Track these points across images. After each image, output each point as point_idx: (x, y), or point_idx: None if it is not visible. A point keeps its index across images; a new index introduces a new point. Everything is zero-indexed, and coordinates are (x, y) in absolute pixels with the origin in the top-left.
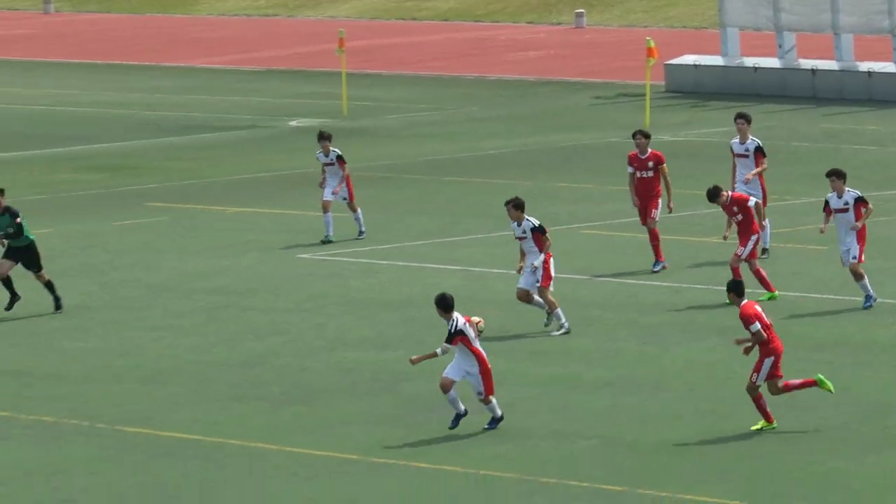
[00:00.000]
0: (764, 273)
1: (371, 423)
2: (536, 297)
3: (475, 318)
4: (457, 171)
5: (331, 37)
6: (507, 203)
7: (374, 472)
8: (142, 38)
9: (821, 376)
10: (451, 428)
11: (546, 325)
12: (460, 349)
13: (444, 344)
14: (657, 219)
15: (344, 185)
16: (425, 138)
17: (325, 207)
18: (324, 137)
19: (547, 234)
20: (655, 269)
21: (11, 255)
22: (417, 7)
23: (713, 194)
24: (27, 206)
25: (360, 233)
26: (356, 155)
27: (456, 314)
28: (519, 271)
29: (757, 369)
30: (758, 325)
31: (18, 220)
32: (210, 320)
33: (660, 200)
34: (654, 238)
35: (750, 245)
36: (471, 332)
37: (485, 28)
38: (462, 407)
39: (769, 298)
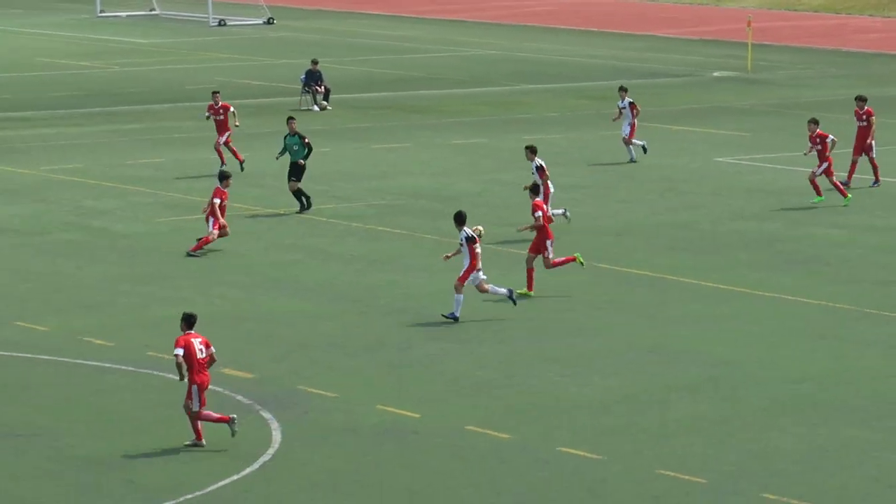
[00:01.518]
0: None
1: (755, 267)
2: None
3: (478, 227)
4: (819, 109)
5: (741, 20)
6: (526, 147)
7: (754, 298)
8: (621, 15)
9: (578, 255)
10: (447, 316)
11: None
12: (464, 252)
13: (461, 247)
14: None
15: (629, 123)
16: (801, 87)
17: (625, 142)
18: (622, 89)
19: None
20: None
21: (292, 171)
22: (798, 3)
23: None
24: (544, 122)
25: (631, 160)
26: (755, 95)
27: (465, 227)
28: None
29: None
30: (540, 214)
31: (307, 140)
32: (665, 195)
33: (873, 142)
34: (874, 166)
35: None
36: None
37: (841, 18)
38: (458, 311)
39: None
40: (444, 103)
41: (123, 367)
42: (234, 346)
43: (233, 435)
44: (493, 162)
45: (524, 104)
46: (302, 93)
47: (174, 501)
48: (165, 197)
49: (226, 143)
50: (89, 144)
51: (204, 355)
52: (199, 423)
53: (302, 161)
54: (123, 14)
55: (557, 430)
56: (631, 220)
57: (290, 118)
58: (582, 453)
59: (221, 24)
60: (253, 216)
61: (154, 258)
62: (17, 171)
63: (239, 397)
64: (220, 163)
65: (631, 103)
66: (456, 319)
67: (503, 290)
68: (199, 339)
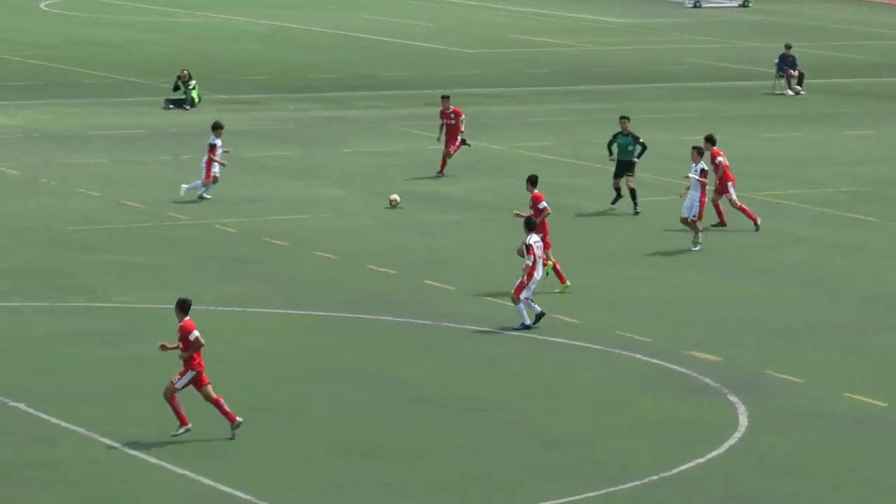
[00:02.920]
0: None
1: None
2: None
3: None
4: None
5: None
6: (693, 148)
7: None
8: None
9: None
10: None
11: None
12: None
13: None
14: None
15: None
16: None
17: None
18: None
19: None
20: None
21: (621, 168)
22: None
23: None
24: None
25: None
26: None
27: (534, 234)
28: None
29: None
30: (545, 204)
31: (641, 140)
32: None
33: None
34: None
35: None
36: (537, 248)
37: None
38: (527, 320)
39: None
40: None
41: (592, 346)
42: (702, 329)
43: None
44: None
45: None
46: (776, 77)
47: (640, 482)
48: (637, 177)
49: (449, 152)
50: (562, 122)
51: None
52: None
53: (636, 159)
54: None
55: None
56: None
57: (623, 118)
58: None
59: (696, 5)
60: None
61: (624, 238)
62: (490, 147)
63: (707, 380)
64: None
65: None
66: (529, 327)
67: (526, 317)
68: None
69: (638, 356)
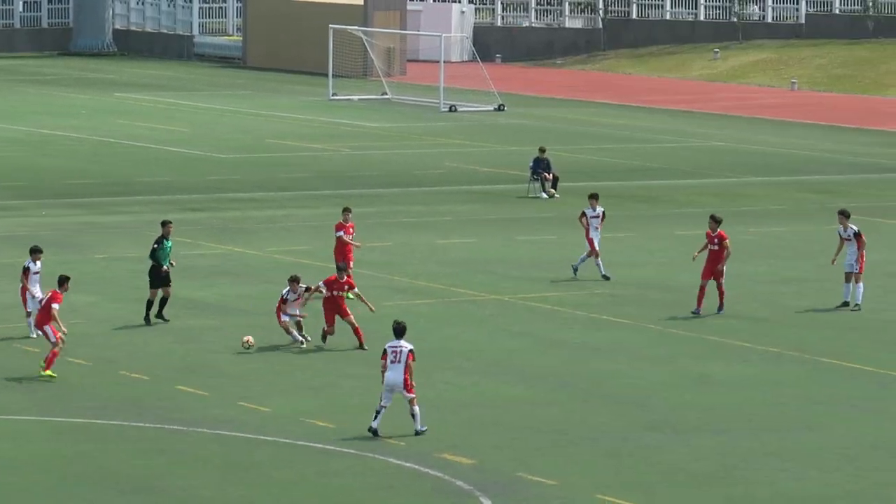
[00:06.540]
0: None
1: None
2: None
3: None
4: None
5: None
6: (840, 212)
7: None
8: (852, 110)
9: None
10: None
11: None
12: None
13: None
14: None
15: None
16: None
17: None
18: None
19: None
20: None
21: (164, 277)
22: None
23: None
24: (768, 215)
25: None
26: None
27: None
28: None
29: None
30: None
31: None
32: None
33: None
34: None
35: None
36: None
37: None
38: None
39: None
40: (670, 193)
41: (346, 450)
42: (456, 432)
43: None
44: None
45: (749, 196)
46: (530, 180)
47: None
48: (393, 281)
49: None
50: (318, 226)
51: None
52: None
53: (166, 267)
54: (356, 97)
55: None
56: (855, 316)
57: (165, 222)
58: None
59: (452, 109)
60: (475, 302)
61: (378, 341)
62: (246, 252)
63: (459, 483)
64: None
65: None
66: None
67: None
68: None
69: (391, 460)
